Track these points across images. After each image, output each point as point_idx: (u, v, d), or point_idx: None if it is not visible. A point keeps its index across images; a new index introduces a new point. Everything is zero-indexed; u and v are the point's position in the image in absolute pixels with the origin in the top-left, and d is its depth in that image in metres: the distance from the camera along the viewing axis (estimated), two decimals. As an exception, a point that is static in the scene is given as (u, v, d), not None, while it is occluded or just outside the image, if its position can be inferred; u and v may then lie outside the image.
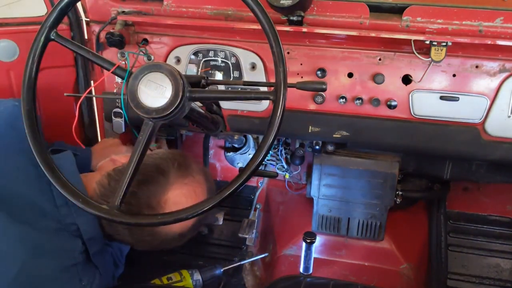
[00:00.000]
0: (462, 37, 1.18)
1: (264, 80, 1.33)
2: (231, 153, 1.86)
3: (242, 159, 1.87)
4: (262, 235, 1.91)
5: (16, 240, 0.96)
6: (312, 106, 1.34)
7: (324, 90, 1.01)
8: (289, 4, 1.15)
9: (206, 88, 1.07)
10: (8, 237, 0.95)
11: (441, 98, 1.26)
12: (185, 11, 1.34)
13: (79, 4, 1.35)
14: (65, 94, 1.17)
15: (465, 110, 1.26)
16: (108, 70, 0.98)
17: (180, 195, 1.07)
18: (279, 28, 1.11)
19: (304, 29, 1.22)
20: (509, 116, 1.25)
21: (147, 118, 0.90)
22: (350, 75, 1.30)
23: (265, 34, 0.93)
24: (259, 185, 1.94)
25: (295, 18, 1.21)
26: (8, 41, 1.32)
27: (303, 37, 1.29)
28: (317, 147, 1.63)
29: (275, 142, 1.70)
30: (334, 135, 1.35)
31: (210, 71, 1.35)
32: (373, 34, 1.20)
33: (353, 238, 1.85)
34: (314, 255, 1.55)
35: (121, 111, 1.43)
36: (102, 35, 1.36)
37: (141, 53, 1.37)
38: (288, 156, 1.80)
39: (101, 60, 0.99)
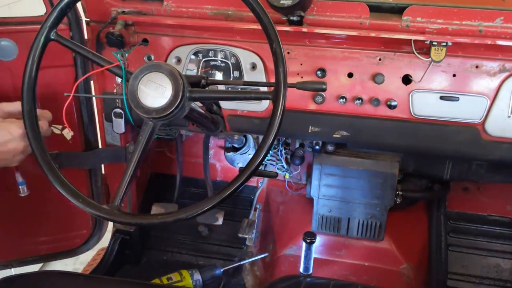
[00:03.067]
0: (462, 37, 1.18)
1: (264, 80, 1.33)
2: (231, 153, 1.86)
3: (242, 159, 1.87)
4: (262, 235, 1.91)
5: None
6: (312, 106, 1.34)
7: (324, 90, 1.01)
8: (289, 4, 1.15)
9: (206, 88, 1.07)
10: None
11: (441, 98, 1.26)
12: (185, 11, 1.34)
13: (79, 4, 1.35)
14: (65, 94, 1.16)
15: (465, 110, 1.26)
16: (108, 70, 0.98)
17: None
18: (279, 28, 1.11)
19: (304, 29, 1.22)
20: (509, 116, 1.25)
21: (147, 118, 0.90)
22: (350, 75, 1.30)
23: (265, 34, 0.93)
24: (259, 185, 1.94)
25: (295, 18, 1.22)
26: (7, 40, 1.31)
27: (303, 37, 1.29)
28: (317, 147, 1.63)
29: (275, 142, 1.70)
30: (334, 135, 1.35)
31: (210, 71, 1.35)
32: (373, 34, 1.20)
33: (353, 238, 1.84)
34: (314, 255, 1.55)
35: (121, 111, 1.43)
36: (102, 35, 1.36)
37: None
38: (288, 156, 1.80)
39: (101, 60, 0.99)
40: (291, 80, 1.13)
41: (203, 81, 1.05)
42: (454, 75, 1.25)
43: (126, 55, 1.30)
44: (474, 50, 1.22)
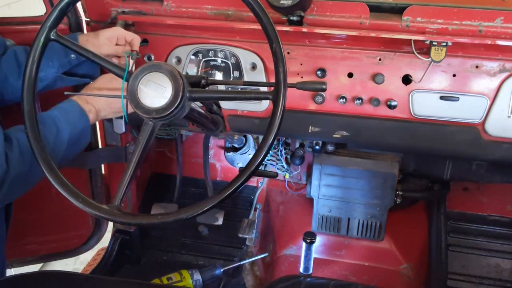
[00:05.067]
0: (462, 37, 1.18)
1: (264, 80, 1.33)
2: (231, 153, 1.86)
3: (242, 159, 1.87)
4: (262, 235, 1.91)
5: None
6: (312, 106, 1.34)
7: (324, 90, 1.01)
8: (289, 4, 1.16)
9: (206, 88, 1.07)
10: None
11: (441, 98, 1.26)
12: (185, 11, 1.34)
13: (79, 4, 1.35)
14: (65, 93, 1.16)
15: (465, 110, 1.26)
16: (108, 70, 0.98)
17: None
18: (279, 28, 1.11)
19: (304, 29, 1.22)
20: (509, 116, 1.25)
21: (147, 118, 0.90)
22: (350, 75, 1.30)
23: (265, 34, 0.93)
24: (259, 185, 1.94)
25: (295, 18, 1.22)
26: (7, 40, 1.31)
27: (303, 37, 1.29)
28: (317, 147, 1.63)
29: (275, 142, 1.70)
30: (334, 135, 1.35)
31: (210, 71, 1.35)
32: (373, 34, 1.20)
33: (353, 238, 1.85)
34: (314, 255, 1.55)
35: (121, 111, 1.42)
36: (102, 35, 1.36)
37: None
38: (288, 156, 1.80)
39: (101, 60, 0.99)
40: (291, 80, 1.13)
41: (203, 81, 1.05)
42: (454, 75, 1.25)
43: (135, 55, 1.26)
44: (474, 50, 1.22)
